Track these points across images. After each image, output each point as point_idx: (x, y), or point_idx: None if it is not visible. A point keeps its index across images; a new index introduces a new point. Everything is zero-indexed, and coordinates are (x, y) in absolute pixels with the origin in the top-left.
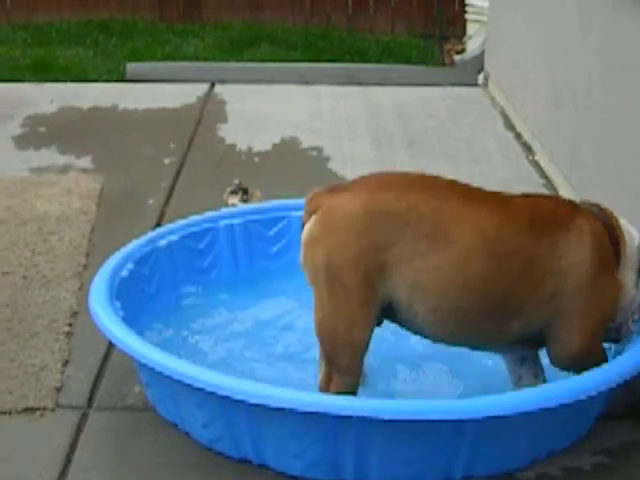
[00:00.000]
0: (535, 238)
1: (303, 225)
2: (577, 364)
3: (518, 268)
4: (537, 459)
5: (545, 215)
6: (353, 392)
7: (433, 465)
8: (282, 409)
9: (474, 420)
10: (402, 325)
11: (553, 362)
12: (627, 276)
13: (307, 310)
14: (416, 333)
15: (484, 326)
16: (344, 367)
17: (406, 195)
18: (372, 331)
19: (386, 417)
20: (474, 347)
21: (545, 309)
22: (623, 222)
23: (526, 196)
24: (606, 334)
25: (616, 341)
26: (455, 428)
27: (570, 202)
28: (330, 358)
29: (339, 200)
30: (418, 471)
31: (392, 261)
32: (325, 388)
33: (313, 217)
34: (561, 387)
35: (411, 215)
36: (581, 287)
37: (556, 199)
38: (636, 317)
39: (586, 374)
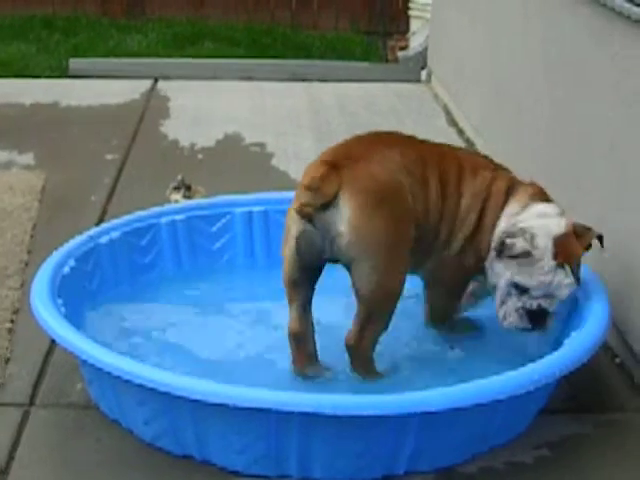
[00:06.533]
0: None
1: (304, 210)
2: None
3: None
4: (479, 454)
5: None
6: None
7: (376, 460)
8: (223, 405)
9: (414, 414)
10: None
11: None
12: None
13: (254, 304)
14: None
15: None
16: (387, 318)
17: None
18: None
19: (328, 412)
20: None
21: None
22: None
23: None
24: None
25: None
26: (396, 423)
27: None
28: (372, 314)
29: (367, 173)
30: (361, 466)
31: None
32: (357, 343)
33: (346, 194)
34: (500, 381)
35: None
36: None
37: None
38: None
39: (526, 369)
